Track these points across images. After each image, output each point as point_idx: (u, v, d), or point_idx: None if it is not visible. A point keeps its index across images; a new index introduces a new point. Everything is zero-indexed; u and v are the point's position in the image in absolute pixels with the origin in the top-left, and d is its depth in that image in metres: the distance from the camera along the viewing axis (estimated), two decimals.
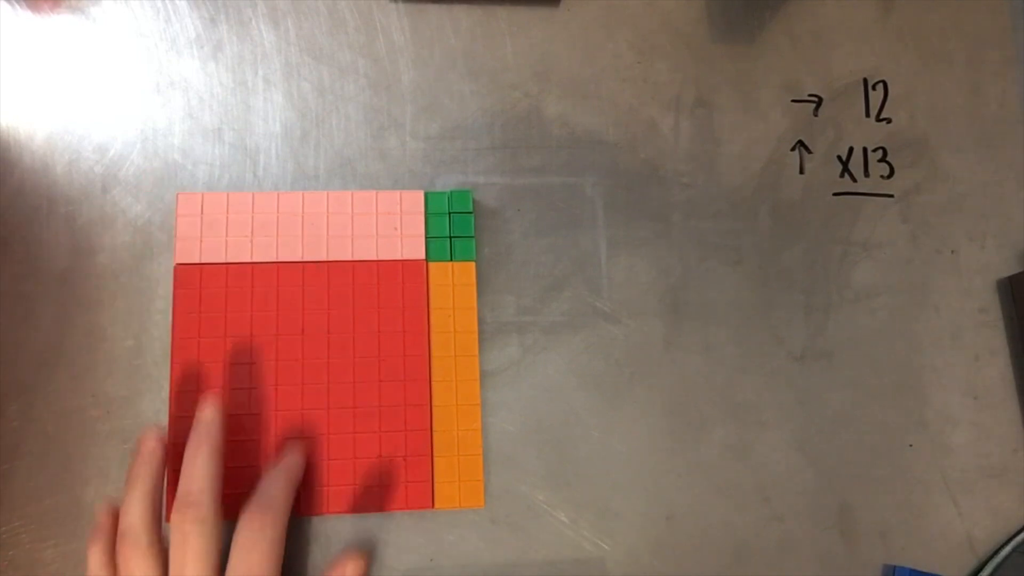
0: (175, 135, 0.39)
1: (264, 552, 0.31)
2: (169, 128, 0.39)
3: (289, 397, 0.36)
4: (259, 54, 0.40)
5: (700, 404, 0.39)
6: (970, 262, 0.42)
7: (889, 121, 0.44)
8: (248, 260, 0.37)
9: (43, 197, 0.38)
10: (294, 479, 0.33)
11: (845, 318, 0.41)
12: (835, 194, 0.42)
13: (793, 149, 0.43)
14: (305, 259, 0.37)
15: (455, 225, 0.38)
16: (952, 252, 0.42)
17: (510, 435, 0.38)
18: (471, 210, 0.39)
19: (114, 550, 0.31)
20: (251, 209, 0.37)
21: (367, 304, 0.37)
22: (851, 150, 0.43)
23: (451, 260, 0.38)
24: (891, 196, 0.43)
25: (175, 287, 0.36)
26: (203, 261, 0.37)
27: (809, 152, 0.43)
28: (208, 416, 0.32)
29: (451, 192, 0.39)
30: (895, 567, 0.38)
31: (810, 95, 0.43)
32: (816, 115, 0.43)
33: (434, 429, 0.36)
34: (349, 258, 0.37)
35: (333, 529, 0.36)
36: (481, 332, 0.38)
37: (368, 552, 0.35)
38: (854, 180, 0.43)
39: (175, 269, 0.36)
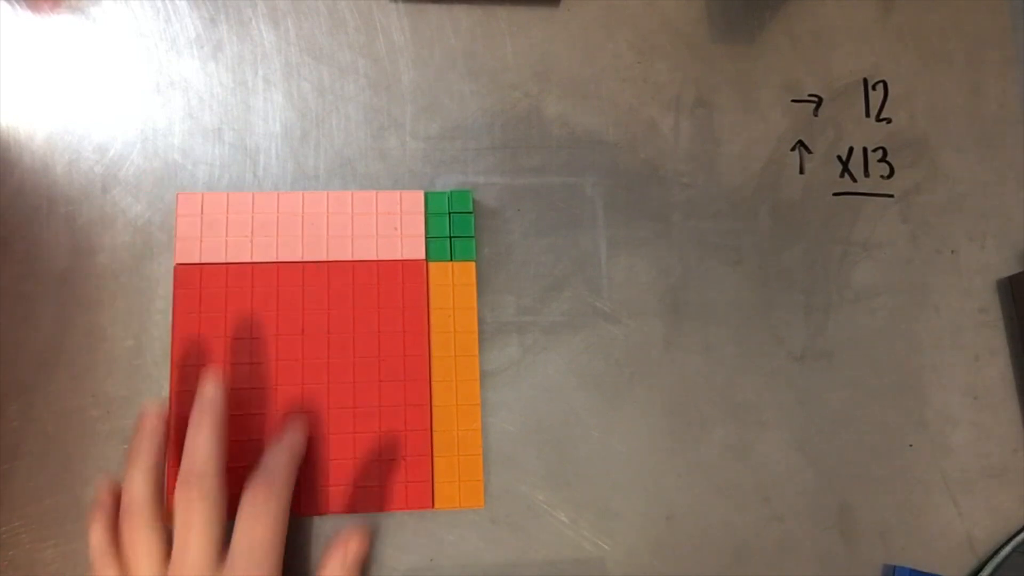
0: (175, 135, 0.39)
1: (268, 526, 0.31)
2: (169, 128, 0.39)
3: (289, 397, 0.36)
4: (259, 54, 0.40)
5: (700, 404, 0.39)
6: (970, 262, 0.42)
7: (889, 121, 0.44)
8: (248, 260, 0.37)
9: (43, 197, 0.38)
10: (297, 454, 0.34)
11: (845, 318, 0.41)
12: (835, 194, 0.42)
13: (793, 149, 0.43)
14: (305, 259, 0.37)
15: (455, 225, 0.38)
16: (952, 252, 0.42)
17: (510, 435, 0.38)
18: (471, 210, 0.39)
19: (116, 526, 0.31)
20: (251, 209, 0.37)
21: (367, 304, 0.37)
22: (851, 150, 0.43)
23: (451, 260, 0.38)
24: (891, 196, 0.43)
25: (175, 287, 0.36)
26: (203, 261, 0.37)
27: (809, 152, 0.43)
28: (210, 392, 0.32)
29: (451, 192, 0.39)
30: (895, 567, 0.38)
31: (810, 95, 0.43)
32: (816, 115, 0.43)
33: (434, 429, 0.36)
34: (349, 258, 0.37)
35: (333, 529, 0.36)
36: (481, 332, 0.38)
37: (369, 528, 0.35)
38: (854, 180, 0.43)
39: (175, 269, 0.36)
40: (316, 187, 0.39)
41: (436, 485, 0.36)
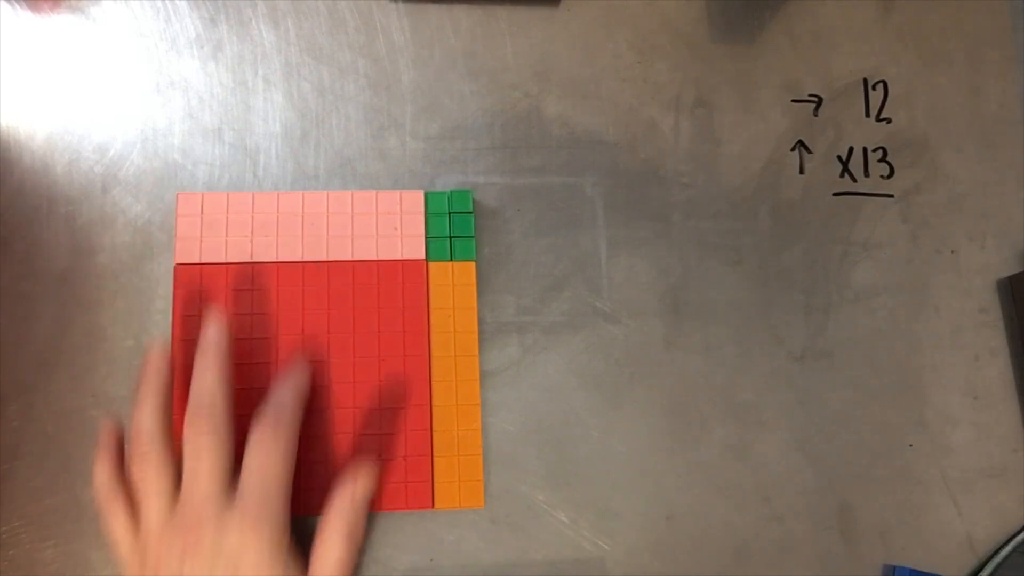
0: (175, 135, 0.39)
1: (277, 459, 0.31)
2: (169, 128, 0.39)
3: None
4: (259, 54, 0.40)
5: (700, 404, 0.39)
6: (970, 262, 0.42)
7: (889, 121, 0.44)
8: (248, 260, 0.37)
9: (43, 197, 0.38)
10: (302, 390, 0.34)
11: (845, 318, 0.41)
12: (835, 194, 0.42)
13: (793, 149, 0.43)
14: (305, 259, 0.37)
15: (455, 225, 0.38)
16: (952, 252, 0.42)
17: (510, 435, 0.38)
18: (471, 210, 0.39)
19: (121, 466, 0.32)
20: (251, 209, 0.37)
21: (367, 304, 0.37)
22: (851, 150, 0.43)
23: (451, 260, 0.38)
24: (891, 196, 0.43)
25: (175, 287, 0.36)
26: (203, 261, 0.37)
27: (809, 152, 0.43)
28: (213, 332, 0.33)
29: (451, 192, 0.39)
30: (895, 567, 0.38)
31: (810, 95, 0.43)
32: (816, 115, 0.43)
33: (434, 429, 0.36)
34: (349, 258, 0.37)
35: None
36: (481, 332, 0.38)
37: (374, 465, 0.35)
38: (854, 180, 0.43)
39: (175, 269, 0.36)
40: (316, 187, 0.39)
41: (436, 485, 0.36)
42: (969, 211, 0.43)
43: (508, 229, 0.40)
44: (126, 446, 0.33)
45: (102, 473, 0.32)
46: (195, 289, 0.36)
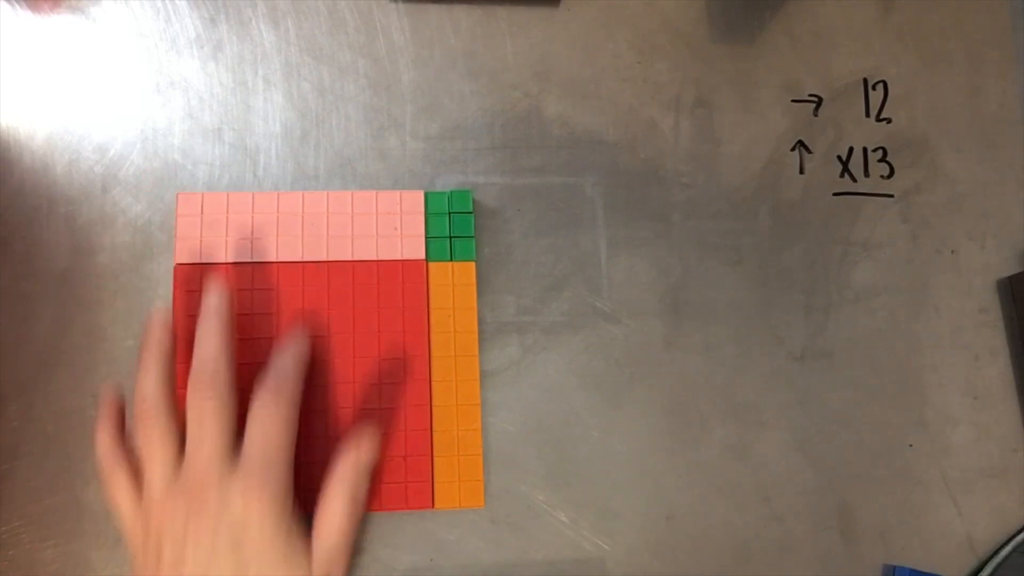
0: (175, 135, 0.39)
1: (280, 425, 0.31)
2: (169, 128, 0.39)
3: None
4: (259, 54, 0.40)
5: (700, 404, 0.39)
6: (970, 262, 0.42)
7: (889, 121, 0.44)
8: (248, 260, 0.37)
9: (43, 197, 0.38)
10: (302, 358, 0.34)
11: (845, 318, 0.41)
12: (835, 194, 0.42)
13: (793, 149, 0.43)
14: (305, 259, 0.37)
15: (455, 225, 0.38)
16: (952, 252, 0.42)
17: (510, 435, 0.38)
18: (471, 210, 0.39)
19: (122, 432, 0.32)
20: (251, 209, 0.37)
21: (367, 304, 0.37)
22: (851, 150, 0.43)
23: (451, 260, 0.38)
24: (891, 196, 0.43)
25: (175, 287, 0.36)
26: (203, 261, 0.37)
27: (809, 152, 0.43)
28: (214, 299, 0.33)
29: (451, 192, 0.39)
30: (895, 567, 0.38)
31: (810, 95, 0.43)
32: (816, 115, 0.43)
33: (434, 429, 0.36)
34: (349, 258, 0.37)
35: None
36: (481, 332, 0.38)
37: (376, 431, 0.34)
38: (854, 180, 0.43)
39: (175, 269, 0.36)
40: (316, 187, 0.39)
41: (436, 485, 0.36)
42: (969, 211, 0.43)
43: (508, 229, 0.40)
44: (127, 414, 0.33)
45: (104, 440, 0.32)
46: (195, 289, 0.36)
